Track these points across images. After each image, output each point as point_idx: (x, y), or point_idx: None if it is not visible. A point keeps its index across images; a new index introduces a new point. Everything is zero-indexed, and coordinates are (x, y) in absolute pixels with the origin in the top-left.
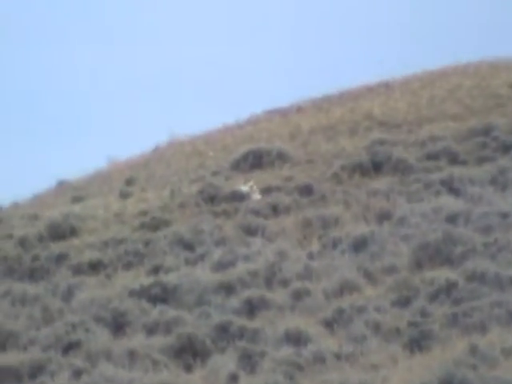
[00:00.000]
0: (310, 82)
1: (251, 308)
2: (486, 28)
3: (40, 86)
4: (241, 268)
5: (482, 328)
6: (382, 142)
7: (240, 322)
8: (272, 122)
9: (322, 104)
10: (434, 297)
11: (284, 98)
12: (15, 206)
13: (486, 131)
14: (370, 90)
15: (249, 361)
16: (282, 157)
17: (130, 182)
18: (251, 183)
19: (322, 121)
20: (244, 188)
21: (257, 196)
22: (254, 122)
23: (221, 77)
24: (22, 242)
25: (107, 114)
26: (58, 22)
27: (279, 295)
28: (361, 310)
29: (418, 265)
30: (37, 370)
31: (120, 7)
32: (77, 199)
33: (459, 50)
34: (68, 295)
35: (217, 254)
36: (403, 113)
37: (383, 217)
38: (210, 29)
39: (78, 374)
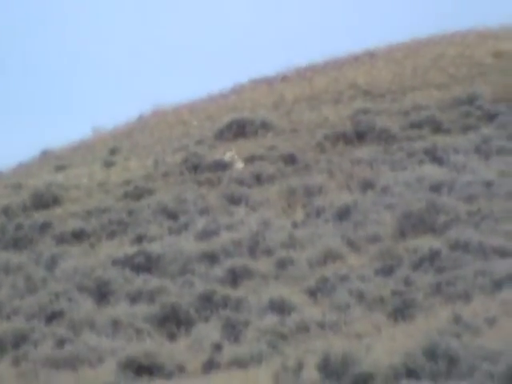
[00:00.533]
0: (295, 50)
1: (235, 277)
2: None
3: (25, 56)
4: (224, 237)
5: (466, 297)
6: (365, 111)
7: (224, 291)
8: (256, 91)
9: (306, 73)
10: (417, 265)
11: (269, 67)
12: None
13: (470, 100)
14: (354, 59)
15: (232, 330)
16: (265, 126)
17: (113, 151)
18: (233, 152)
19: (306, 90)
20: (226, 157)
21: (239, 165)
22: (238, 91)
23: (205, 45)
24: (5, 211)
25: (91, 83)
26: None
27: (263, 264)
28: (344, 278)
29: (402, 233)
30: (20, 339)
31: None
32: (60, 168)
33: (448, 19)
34: (51, 264)
35: (200, 223)
36: (387, 82)
37: (367, 186)
38: None
39: (61, 342)
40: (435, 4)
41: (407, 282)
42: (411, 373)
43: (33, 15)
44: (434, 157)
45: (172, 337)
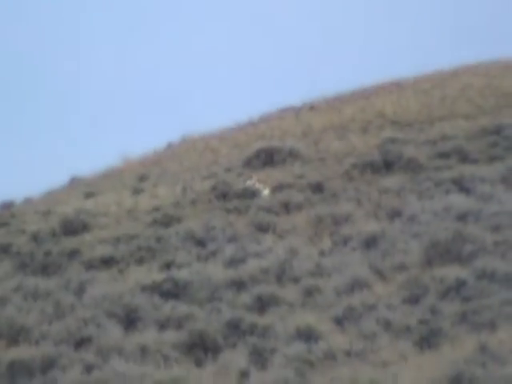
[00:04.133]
0: (322, 79)
1: (262, 304)
2: (497, 28)
3: (55, 84)
4: (252, 265)
5: (492, 326)
6: (393, 141)
7: (251, 318)
8: (284, 120)
9: (334, 102)
10: (443, 295)
11: (296, 96)
12: (28, 201)
13: (497, 130)
14: (381, 89)
15: (259, 357)
16: (293, 155)
17: (142, 178)
18: (254, 180)
19: (334, 119)
20: (247, 184)
21: (265, 192)
22: (266, 119)
23: (234, 74)
24: (35, 237)
25: (121, 111)
26: (80, 26)
27: (290, 292)
28: (371, 307)
29: (429, 262)
30: (48, 364)
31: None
32: (89, 195)
33: (470, 50)
34: (80, 290)
35: (228, 250)
36: (414, 112)
37: (394, 214)
38: (221, 26)
39: (89, 369)
40: (460, 35)
41: (433, 311)
42: None
43: (63, 42)
44: (461, 186)
45: (199, 363)
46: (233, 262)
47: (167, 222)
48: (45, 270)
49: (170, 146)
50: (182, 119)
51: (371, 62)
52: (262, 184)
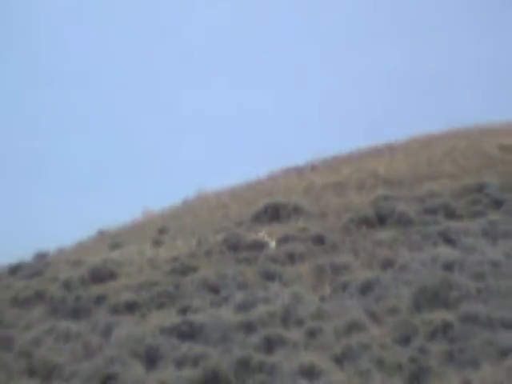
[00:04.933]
0: (323, 142)
1: (269, 345)
2: (477, 95)
3: (81, 145)
4: (260, 309)
5: (475, 364)
6: (385, 198)
7: (259, 357)
8: (288, 179)
9: (333, 163)
10: (431, 336)
11: (299, 158)
12: (60, 252)
13: (479, 188)
14: (375, 151)
15: None
16: (297, 210)
17: (162, 231)
18: (263, 233)
19: (333, 178)
20: (258, 236)
21: (272, 244)
22: (272, 178)
23: (240, 136)
24: (67, 284)
25: (141, 168)
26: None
27: (294, 333)
28: (366, 347)
29: (418, 307)
30: None
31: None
32: (115, 246)
33: (454, 115)
34: (106, 332)
35: (239, 296)
36: (405, 171)
37: (387, 264)
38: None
39: None
40: (448, 101)
41: (422, 351)
42: None
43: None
44: (447, 239)
45: None
46: (243, 307)
47: (184, 270)
48: (75, 314)
49: (186, 201)
50: (196, 177)
51: (364, 127)
52: (269, 237)
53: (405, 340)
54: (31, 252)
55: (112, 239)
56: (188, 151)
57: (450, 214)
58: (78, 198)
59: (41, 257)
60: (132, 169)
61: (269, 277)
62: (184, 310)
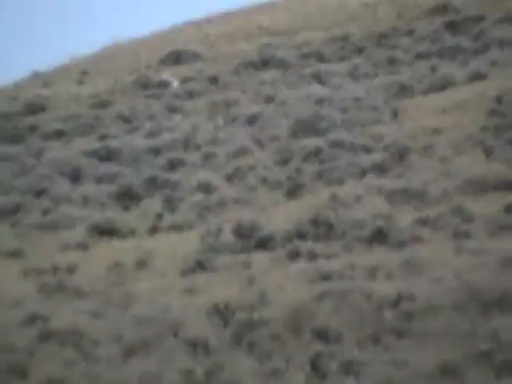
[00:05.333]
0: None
1: (173, 165)
2: None
3: None
4: (165, 136)
5: (341, 181)
6: (268, 45)
7: (164, 175)
8: (188, 31)
9: (225, 17)
10: (305, 158)
11: (198, 12)
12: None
13: (345, 38)
14: (260, 7)
15: (171, 204)
16: (195, 56)
17: (84, 72)
18: (167, 74)
19: (225, 30)
20: (163, 77)
21: (175, 83)
22: (175, 29)
23: None
24: (5, 116)
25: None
26: None
27: (193, 156)
28: (252, 167)
29: (294, 135)
30: (16, 209)
31: None
32: (45, 85)
33: None
34: (39, 155)
35: (148, 126)
36: (284, 24)
37: (269, 100)
38: None
39: (45, 212)
40: None
41: (298, 171)
42: (300, 235)
43: None
44: (319, 79)
45: (126, 209)
46: (151, 134)
47: (103, 105)
48: (13, 140)
49: (104, 48)
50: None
51: None
52: (172, 77)
53: (284, 162)
54: None
55: (43, 79)
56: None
57: (321, 59)
58: (13, 44)
59: None
60: (59, 17)
61: (172, 110)
62: (103, 137)
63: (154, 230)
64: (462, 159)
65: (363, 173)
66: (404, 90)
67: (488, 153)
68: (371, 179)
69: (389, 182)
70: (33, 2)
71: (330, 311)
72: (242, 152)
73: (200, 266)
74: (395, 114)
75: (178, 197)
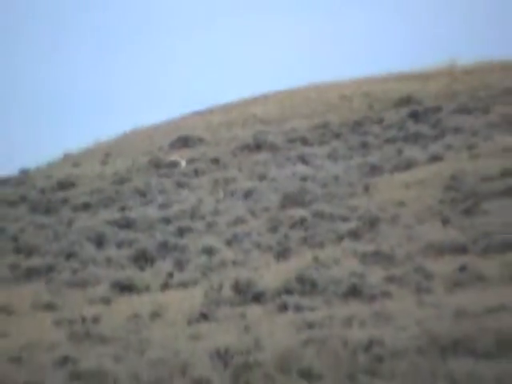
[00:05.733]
0: (223, 92)
1: (181, 232)
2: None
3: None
4: (175, 208)
5: (322, 246)
6: (261, 132)
7: (174, 240)
8: (194, 119)
9: (225, 108)
10: (292, 226)
11: (202, 104)
12: (37, 169)
13: (325, 125)
14: (254, 100)
15: (180, 264)
16: (200, 140)
17: (107, 154)
18: (177, 156)
19: (225, 118)
20: (173, 158)
21: (183, 163)
22: (184, 119)
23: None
24: (42, 191)
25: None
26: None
27: (199, 224)
28: (248, 234)
29: (283, 206)
30: (50, 269)
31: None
32: (75, 165)
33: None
34: (69, 224)
35: (160, 199)
36: (274, 114)
37: (262, 177)
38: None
39: (74, 272)
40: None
41: (286, 237)
42: (288, 291)
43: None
44: (303, 160)
45: (142, 269)
46: (163, 206)
47: (122, 181)
48: (47, 212)
49: (124, 134)
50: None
51: (252, 79)
52: (181, 158)
53: (274, 229)
54: (16, 169)
55: (72, 160)
56: (124, 93)
57: (305, 143)
58: (48, 130)
59: (23, 172)
60: (87, 107)
61: (181, 186)
62: (122, 209)
63: (165, 287)
64: (424, 227)
65: (341, 238)
66: (374, 169)
67: (445, 221)
68: (347, 243)
69: (362, 246)
70: (66, 97)
71: (313, 355)
72: (239, 221)
73: (204, 316)
74: (367, 189)
75: (186, 258)
